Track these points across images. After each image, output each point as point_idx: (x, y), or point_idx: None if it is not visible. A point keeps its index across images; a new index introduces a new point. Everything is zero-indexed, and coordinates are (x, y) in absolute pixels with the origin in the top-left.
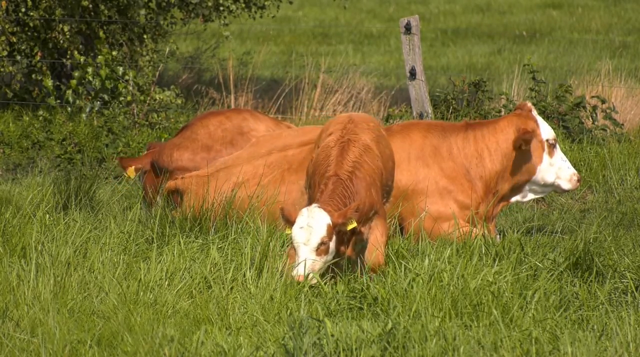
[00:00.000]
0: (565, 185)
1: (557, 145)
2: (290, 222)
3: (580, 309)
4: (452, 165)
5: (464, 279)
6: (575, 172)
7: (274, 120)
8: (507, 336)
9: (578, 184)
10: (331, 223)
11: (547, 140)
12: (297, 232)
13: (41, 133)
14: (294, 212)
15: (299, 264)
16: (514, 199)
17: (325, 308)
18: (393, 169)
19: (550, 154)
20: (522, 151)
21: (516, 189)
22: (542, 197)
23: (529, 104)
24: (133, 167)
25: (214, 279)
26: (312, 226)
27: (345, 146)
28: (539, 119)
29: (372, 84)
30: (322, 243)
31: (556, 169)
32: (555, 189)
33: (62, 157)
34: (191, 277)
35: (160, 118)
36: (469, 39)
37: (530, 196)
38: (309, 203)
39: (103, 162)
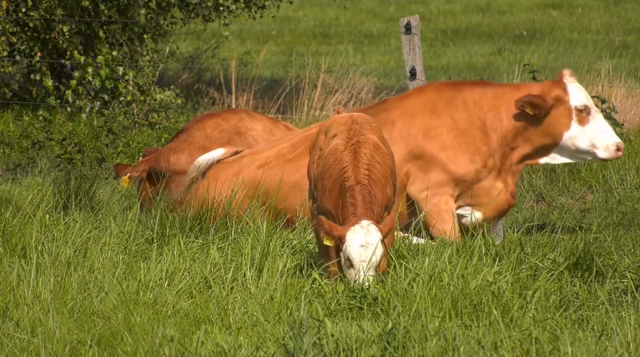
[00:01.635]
0: (602, 153)
1: (595, 114)
2: (332, 236)
3: (580, 309)
4: (466, 117)
5: (464, 279)
6: (615, 141)
7: (271, 120)
8: (507, 336)
9: (617, 153)
10: (381, 237)
11: (575, 107)
12: (359, 251)
13: (41, 133)
14: (336, 226)
15: (362, 280)
16: (542, 161)
17: (325, 308)
18: (395, 167)
19: (582, 121)
20: (542, 115)
21: (541, 151)
22: (577, 162)
23: (565, 70)
24: (127, 176)
25: (214, 279)
26: (371, 244)
27: (357, 149)
28: (570, 86)
29: (372, 84)
30: (381, 260)
31: (590, 136)
32: (591, 156)
33: (62, 157)
34: (191, 277)
35: (160, 118)
36: (469, 39)
37: (562, 160)
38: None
39: (103, 162)
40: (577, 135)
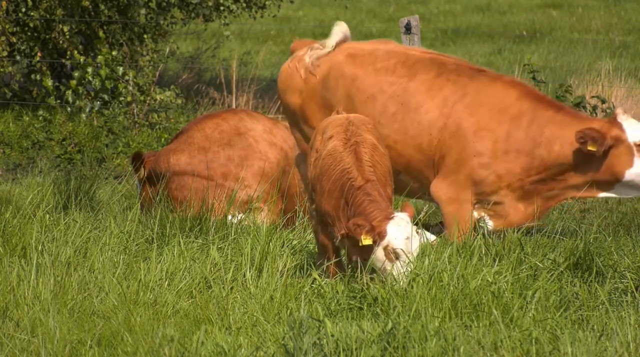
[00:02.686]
0: None
1: None
2: (372, 233)
3: (580, 309)
4: (521, 138)
5: (464, 279)
6: None
7: (271, 120)
8: (507, 336)
9: None
10: None
11: (635, 143)
12: (406, 243)
13: (41, 133)
14: (370, 223)
15: (405, 272)
16: (602, 195)
17: (325, 308)
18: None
19: None
20: (599, 154)
21: (600, 186)
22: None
23: (618, 110)
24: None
25: (214, 279)
26: (414, 235)
27: (357, 149)
28: (627, 124)
29: None
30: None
31: None
32: None
33: (62, 157)
34: (191, 277)
35: (160, 118)
36: (469, 39)
37: (631, 193)
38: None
39: (103, 162)
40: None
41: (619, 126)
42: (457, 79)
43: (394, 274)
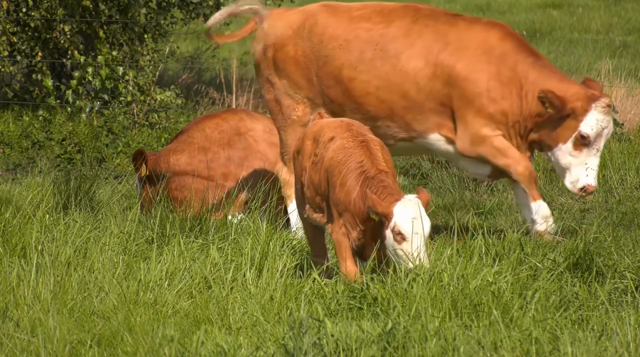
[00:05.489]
0: (567, 182)
1: (593, 149)
2: (376, 211)
3: (580, 309)
4: (510, 75)
5: (464, 279)
6: (587, 184)
7: (271, 120)
8: (507, 336)
9: (579, 192)
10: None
11: (579, 132)
12: (412, 223)
13: (41, 133)
14: (380, 202)
15: (417, 254)
16: (548, 154)
17: (325, 308)
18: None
19: (576, 147)
20: (555, 117)
21: (544, 147)
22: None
23: (604, 99)
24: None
25: (214, 279)
26: (422, 215)
27: (367, 145)
28: (591, 114)
29: None
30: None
31: (573, 163)
32: (562, 176)
33: (62, 157)
34: (191, 277)
35: (160, 118)
36: None
37: (553, 161)
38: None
39: (103, 162)
40: (564, 153)
41: (587, 109)
42: (435, 25)
43: (403, 258)
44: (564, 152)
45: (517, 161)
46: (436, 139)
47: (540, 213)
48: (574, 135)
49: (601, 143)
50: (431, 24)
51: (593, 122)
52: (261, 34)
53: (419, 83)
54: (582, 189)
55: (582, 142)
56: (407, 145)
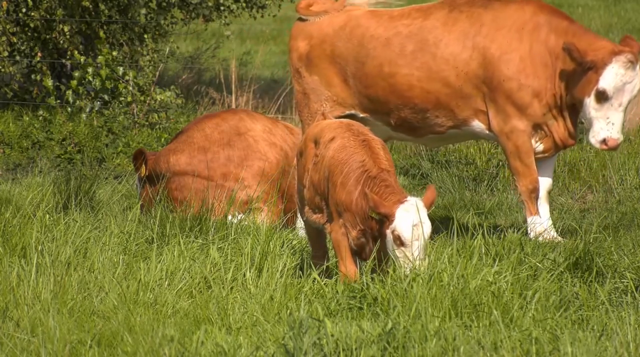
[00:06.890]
0: (590, 138)
1: (615, 104)
2: (378, 212)
3: (580, 309)
4: (542, 50)
5: (464, 279)
6: (607, 136)
7: (271, 120)
8: (507, 336)
9: (602, 146)
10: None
11: (597, 88)
12: (412, 230)
13: (41, 133)
14: (382, 202)
15: (416, 260)
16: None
17: (325, 308)
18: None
19: (598, 100)
20: (579, 71)
21: (579, 105)
22: None
23: (629, 54)
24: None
25: (214, 279)
26: (424, 221)
27: (369, 144)
28: (614, 66)
29: None
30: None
31: (594, 116)
32: (589, 131)
33: (62, 157)
34: (191, 277)
35: (160, 118)
36: None
37: (582, 118)
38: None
39: (103, 162)
40: (588, 107)
41: (606, 63)
42: (470, 10)
43: (400, 261)
44: (588, 106)
45: (524, 174)
46: (478, 125)
47: (535, 229)
48: (595, 89)
49: (623, 98)
50: (466, 9)
51: (612, 75)
52: (301, 25)
53: (457, 67)
54: (603, 141)
55: (602, 96)
56: (456, 132)
